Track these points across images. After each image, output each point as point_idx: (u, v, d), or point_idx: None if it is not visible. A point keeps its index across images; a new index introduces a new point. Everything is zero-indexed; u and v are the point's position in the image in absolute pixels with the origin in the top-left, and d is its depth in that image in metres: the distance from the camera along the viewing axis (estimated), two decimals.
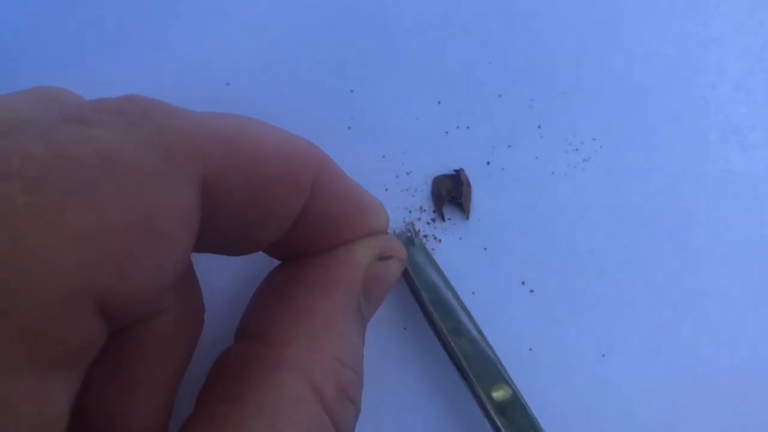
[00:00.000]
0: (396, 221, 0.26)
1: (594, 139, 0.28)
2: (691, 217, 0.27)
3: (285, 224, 0.17)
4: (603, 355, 0.25)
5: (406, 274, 0.23)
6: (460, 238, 0.26)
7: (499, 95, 0.28)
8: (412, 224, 0.25)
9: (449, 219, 0.26)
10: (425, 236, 0.26)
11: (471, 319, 0.23)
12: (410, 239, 0.24)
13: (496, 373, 0.22)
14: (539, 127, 0.28)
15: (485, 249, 0.26)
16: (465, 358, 0.22)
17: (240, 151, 0.15)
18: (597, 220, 0.27)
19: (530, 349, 0.25)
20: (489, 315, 0.25)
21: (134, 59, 0.28)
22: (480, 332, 0.23)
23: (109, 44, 0.28)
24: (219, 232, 0.16)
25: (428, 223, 0.26)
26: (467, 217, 0.26)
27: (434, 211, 0.26)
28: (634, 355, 0.25)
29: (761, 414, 0.25)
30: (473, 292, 0.25)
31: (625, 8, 0.29)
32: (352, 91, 0.28)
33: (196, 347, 0.18)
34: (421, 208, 0.26)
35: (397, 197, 0.26)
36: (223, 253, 0.17)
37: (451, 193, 0.26)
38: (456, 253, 0.26)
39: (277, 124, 0.28)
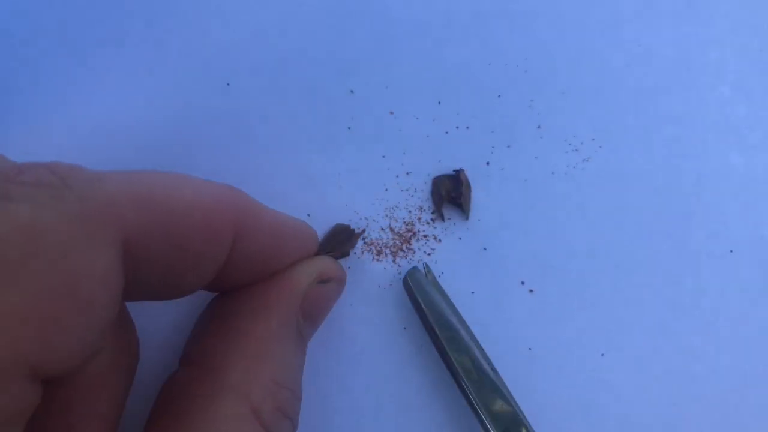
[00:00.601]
0: (396, 221, 0.26)
1: (594, 139, 0.28)
2: (691, 217, 0.27)
3: (213, 269, 0.18)
4: (602, 355, 0.25)
5: (419, 310, 0.24)
6: (460, 238, 0.26)
7: (499, 95, 0.28)
8: (426, 265, 0.25)
9: (449, 219, 0.26)
10: (425, 236, 0.26)
11: (484, 355, 0.23)
12: (424, 275, 0.25)
13: (516, 420, 0.22)
14: (539, 127, 0.28)
15: (485, 249, 0.26)
16: (477, 398, 0.22)
17: (156, 210, 0.16)
18: (597, 220, 0.27)
19: (530, 349, 0.25)
20: (489, 315, 0.25)
21: (134, 59, 0.28)
22: (494, 369, 0.23)
23: (109, 44, 0.28)
24: (147, 284, 0.16)
25: (428, 223, 0.26)
26: (467, 218, 0.26)
27: (433, 212, 0.26)
28: (634, 354, 0.25)
29: (761, 414, 0.25)
30: (473, 292, 0.25)
31: (625, 8, 0.29)
32: (352, 91, 0.28)
33: (147, 374, 0.19)
34: (420, 207, 0.26)
35: (397, 197, 0.27)
36: (157, 299, 0.18)
37: (451, 194, 0.26)
38: (456, 253, 0.26)
39: (276, 124, 0.28)
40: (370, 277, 0.25)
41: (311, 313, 0.21)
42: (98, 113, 0.27)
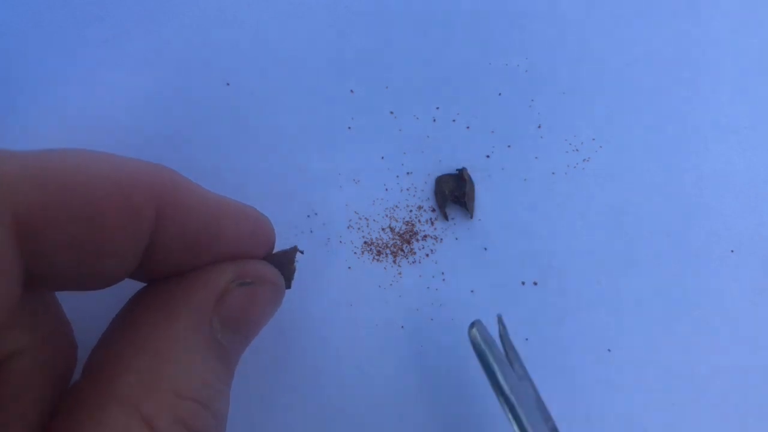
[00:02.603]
0: (396, 221, 0.26)
1: (594, 139, 0.28)
2: (692, 217, 0.27)
3: (134, 253, 0.17)
4: (602, 355, 0.25)
5: (486, 365, 0.21)
6: (460, 238, 0.26)
7: (499, 95, 0.28)
8: (500, 318, 0.22)
9: (452, 219, 0.26)
10: (425, 236, 0.26)
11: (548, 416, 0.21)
12: (499, 335, 0.22)
13: None
14: (539, 127, 0.28)
15: (485, 249, 0.26)
16: None
17: (60, 187, 0.15)
18: (597, 220, 0.27)
19: (530, 349, 0.25)
20: (489, 315, 0.25)
21: (134, 59, 0.28)
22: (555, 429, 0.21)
23: (109, 44, 0.28)
24: (61, 269, 0.15)
25: (428, 222, 0.26)
26: (471, 216, 0.26)
27: (433, 210, 0.26)
28: (634, 354, 0.25)
29: (761, 414, 0.25)
30: (472, 291, 0.25)
31: (625, 8, 0.29)
32: (352, 91, 0.28)
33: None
34: (420, 207, 0.26)
35: (397, 197, 0.26)
36: (82, 288, 0.17)
37: (455, 193, 0.26)
38: (456, 253, 0.26)
39: (277, 124, 0.28)
40: (370, 277, 0.25)
41: (234, 320, 0.18)
42: (98, 113, 0.27)
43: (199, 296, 0.18)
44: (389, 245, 0.26)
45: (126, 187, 0.16)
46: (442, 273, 0.26)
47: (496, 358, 0.20)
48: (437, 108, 0.28)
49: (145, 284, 0.19)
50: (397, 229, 0.26)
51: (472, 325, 0.21)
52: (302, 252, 0.22)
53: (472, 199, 0.26)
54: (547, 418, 0.21)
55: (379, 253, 0.26)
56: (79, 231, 0.15)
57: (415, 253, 0.26)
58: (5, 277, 0.14)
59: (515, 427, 0.20)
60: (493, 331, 0.21)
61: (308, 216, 0.26)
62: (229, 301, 0.18)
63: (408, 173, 0.27)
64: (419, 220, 0.26)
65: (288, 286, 0.21)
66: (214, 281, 0.18)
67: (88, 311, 0.19)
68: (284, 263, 0.21)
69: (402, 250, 0.26)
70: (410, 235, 0.26)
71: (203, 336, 0.17)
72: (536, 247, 0.26)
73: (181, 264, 0.18)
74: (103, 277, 0.17)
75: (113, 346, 0.17)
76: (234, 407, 0.24)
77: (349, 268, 0.25)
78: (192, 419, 0.16)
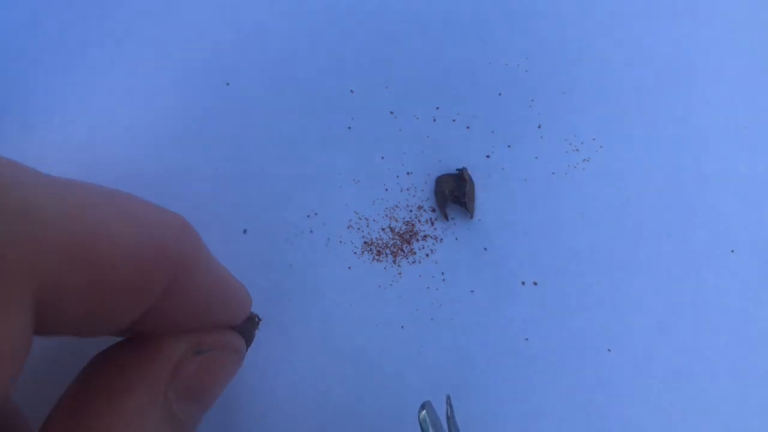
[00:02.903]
0: (396, 221, 0.26)
1: (594, 139, 0.28)
2: (692, 217, 0.27)
3: (129, 319, 0.16)
4: (602, 355, 0.25)
5: None
6: (460, 239, 0.26)
7: (499, 95, 0.28)
8: (449, 399, 0.22)
9: (452, 219, 0.26)
10: (425, 236, 0.26)
11: None
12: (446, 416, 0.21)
13: None
14: (539, 127, 0.28)
15: (485, 249, 0.26)
16: None
17: (85, 258, 0.13)
18: (597, 220, 0.27)
19: (529, 349, 0.25)
20: (489, 315, 0.25)
21: (134, 59, 0.28)
22: None
23: (109, 44, 0.28)
24: (54, 329, 0.14)
25: (428, 222, 0.26)
26: (471, 216, 0.26)
27: (433, 210, 0.26)
28: (634, 354, 0.25)
29: (761, 414, 0.24)
30: (472, 291, 0.25)
31: (625, 8, 0.29)
32: (352, 91, 0.28)
33: None
34: (420, 207, 0.26)
35: (397, 197, 0.26)
36: (63, 335, 0.16)
37: (455, 193, 0.26)
38: (456, 253, 0.26)
39: (277, 124, 0.28)
40: (370, 277, 0.25)
41: (191, 391, 0.18)
42: (98, 113, 0.27)
43: (154, 367, 0.17)
44: (389, 245, 0.26)
45: (147, 266, 0.15)
46: (442, 273, 0.26)
47: None
48: (437, 108, 0.28)
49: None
50: (397, 229, 0.26)
51: (422, 407, 0.20)
52: (261, 320, 0.22)
53: (472, 199, 0.26)
54: None
55: (379, 253, 0.26)
56: (88, 302, 0.14)
57: (415, 253, 0.26)
58: (16, 363, 0.13)
59: None
60: (441, 409, 0.21)
61: (308, 216, 0.26)
62: (186, 372, 0.17)
63: (408, 173, 0.27)
64: (419, 220, 0.26)
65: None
66: (168, 351, 0.17)
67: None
68: (248, 329, 0.21)
69: (402, 250, 0.26)
70: (410, 235, 0.26)
71: (158, 410, 0.17)
72: (536, 247, 0.26)
73: (169, 326, 0.17)
74: (89, 333, 0.16)
75: (65, 422, 0.16)
76: (233, 407, 0.24)
77: (349, 268, 0.25)
78: None
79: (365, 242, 0.26)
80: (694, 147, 0.28)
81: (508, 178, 0.27)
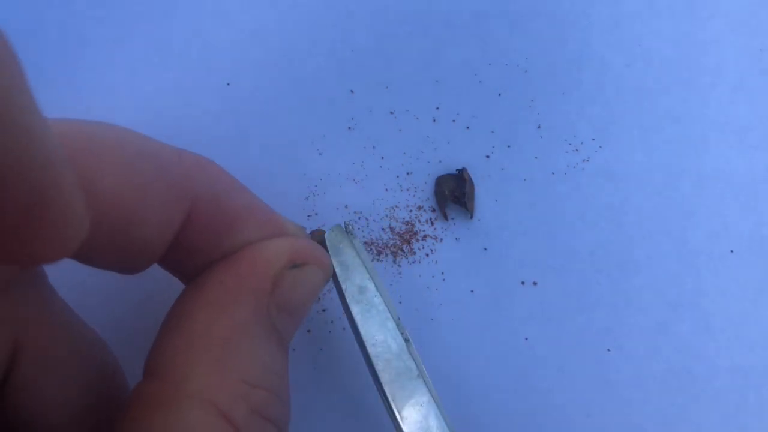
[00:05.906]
0: (396, 221, 0.26)
1: (594, 139, 0.28)
2: (691, 217, 0.27)
3: (160, 248, 0.17)
4: (602, 355, 0.25)
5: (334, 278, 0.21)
6: (460, 239, 0.26)
7: (499, 95, 0.28)
8: (349, 224, 0.22)
9: (452, 219, 0.26)
10: (425, 236, 0.26)
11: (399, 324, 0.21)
12: (348, 237, 0.22)
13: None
14: (539, 127, 0.28)
15: (485, 249, 0.26)
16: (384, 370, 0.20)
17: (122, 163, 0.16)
18: (597, 220, 0.27)
19: (529, 349, 0.25)
20: (488, 315, 0.25)
21: (134, 59, 0.28)
22: (408, 339, 0.21)
23: (110, 44, 0.28)
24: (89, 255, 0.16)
25: (428, 222, 0.26)
26: (471, 217, 0.26)
27: (433, 210, 0.26)
28: (634, 354, 0.25)
29: (761, 414, 0.25)
30: (472, 291, 0.25)
31: (625, 8, 0.29)
32: (352, 91, 0.28)
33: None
34: (420, 207, 0.26)
35: (397, 197, 0.26)
36: (112, 269, 0.17)
37: (455, 193, 0.26)
38: (456, 253, 0.26)
39: (277, 124, 0.28)
40: None
41: (288, 305, 0.18)
42: (98, 113, 0.27)
43: (254, 283, 0.18)
44: (389, 245, 0.26)
45: (168, 196, 0.16)
46: (442, 273, 0.26)
47: (342, 263, 0.21)
48: (437, 108, 0.28)
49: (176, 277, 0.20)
50: (397, 229, 0.26)
51: (331, 229, 0.21)
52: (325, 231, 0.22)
53: (472, 199, 0.26)
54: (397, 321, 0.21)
55: (379, 253, 0.26)
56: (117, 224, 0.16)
57: (415, 253, 0.26)
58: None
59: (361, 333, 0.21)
60: None
61: (308, 216, 0.26)
62: (284, 287, 0.18)
63: (408, 173, 0.27)
64: (419, 220, 0.26)
65: None
66: (268, 266, 0.18)
67: (120, 316, 0.19)
68: (322, 243, 0.21)
69: (402, 250, 0.26)
70: (410, 235, 0.26)
71: (264, 323, 0.17)
72: (536, 247, 0.26)
73: (207, 251, 0.18)
74: (133, 260, 0.17)
75: (173, 343, 0.17)
76: None
77: None
78: (265, 408, 0.16)
79: (365, 242, 0.26)
80: (693, 147, 0.28)
81: (508, 178, 0.27)
